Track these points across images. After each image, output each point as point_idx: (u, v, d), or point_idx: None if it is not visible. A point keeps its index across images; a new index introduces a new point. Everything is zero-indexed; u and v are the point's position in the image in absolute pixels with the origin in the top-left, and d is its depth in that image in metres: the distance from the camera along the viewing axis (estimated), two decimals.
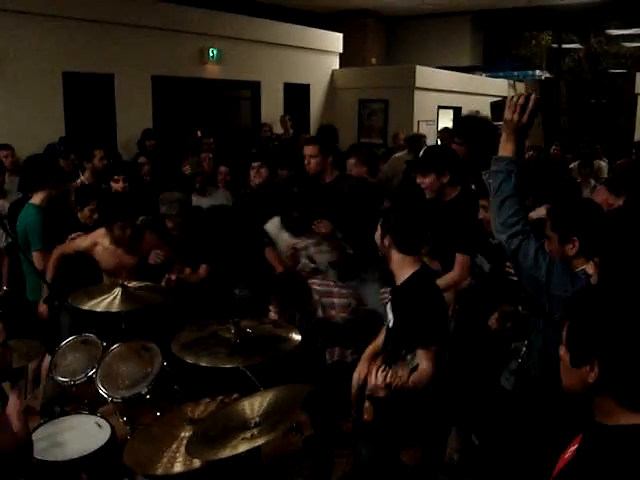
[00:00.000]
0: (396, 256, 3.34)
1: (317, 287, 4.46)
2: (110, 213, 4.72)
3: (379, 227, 3.45)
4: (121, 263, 4.71)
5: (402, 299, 3.33)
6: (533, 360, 3.09)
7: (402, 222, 3.37)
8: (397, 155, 9.56)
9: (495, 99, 2.98)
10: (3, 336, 2.87)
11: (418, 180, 4.70)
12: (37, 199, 5.13)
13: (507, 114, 2.80)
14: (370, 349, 3.72)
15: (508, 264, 3.54)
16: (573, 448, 1.80)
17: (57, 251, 4.88)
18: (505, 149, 2.85)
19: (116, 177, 5.85)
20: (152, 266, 4.84)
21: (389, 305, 3.47)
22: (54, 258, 4.86)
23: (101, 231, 4.76)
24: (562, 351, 1.89)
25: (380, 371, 2.97)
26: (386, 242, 3.36)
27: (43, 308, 5.08)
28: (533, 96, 2.78)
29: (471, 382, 3.78)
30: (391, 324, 3.40)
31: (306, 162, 5.36)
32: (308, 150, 5.35)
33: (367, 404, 3.32)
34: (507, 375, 3.30)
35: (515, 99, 2.77)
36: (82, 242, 4.78)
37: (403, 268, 3.34)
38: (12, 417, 2.81)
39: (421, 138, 9.75)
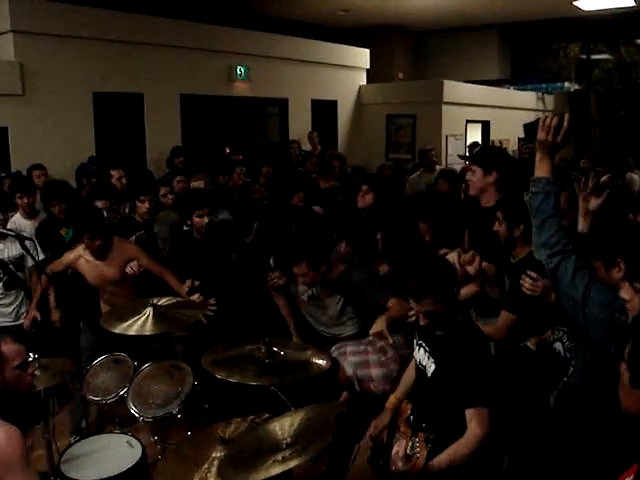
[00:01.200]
0: (441, 313, 3.06)
1: (351, 358, 3.92)
2: (79, 225, 4.85)
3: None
4: (103, 275, 4.78)
5: (448, 349, 3.05)
6: (574, 380, 3.03)
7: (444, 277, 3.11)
8: (412, 177, 9.49)
9: (527, 121, 2.92)
10: (21, 359, 2.88)
11: (467, 176, 4.61)
12: None
13: (540, 135, 2.77)
14: (394, 397, 3.49)
15: (523, 277, 3.45)
16: (630, 479, 1.74)
17: (49, 267, 4.97)
18: (541, 169, 2.81)
19: (142, 197, 5.93)
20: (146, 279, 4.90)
21: (426, 354, 3.21)
22: (44, 278, 4.94)
23: (82, 245, 4.85)
24: (622, 368, 1.84)
25: (401, 446, 2.83)
26: (430, 302, 3.03)
27: (56, 316, 5.24)
28: (567, 116, 2.74)
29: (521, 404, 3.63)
30: (430, 373, 3.13)
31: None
32: None
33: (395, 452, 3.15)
34: (555, 394, 3.22)
35: (548, 121, 2.74)
36: (68, 256, 4.87)
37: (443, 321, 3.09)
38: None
39: (427, 152, 9.73)
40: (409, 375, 3.52)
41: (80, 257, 4.78)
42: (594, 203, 3.83)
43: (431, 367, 3.13)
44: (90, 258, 4.75)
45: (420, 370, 3.27)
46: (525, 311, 3.63)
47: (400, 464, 2.75)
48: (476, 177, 4.35)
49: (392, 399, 3.49)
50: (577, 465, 2.76)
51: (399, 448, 2.80)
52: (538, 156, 2.83)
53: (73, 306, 5.24)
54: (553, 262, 2.74)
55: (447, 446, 2.86)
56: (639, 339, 1.81)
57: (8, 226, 5.56)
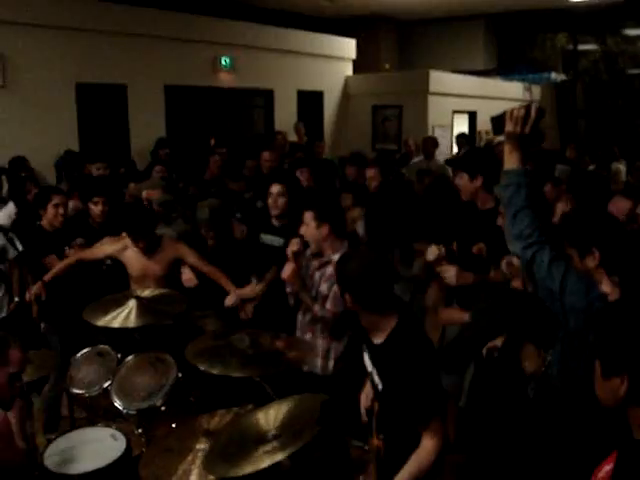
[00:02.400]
0: (367, 316, 2.90)
1: None
2: (125, 224, 4.71)
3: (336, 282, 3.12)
4: (147, 270, 4.69)
5: (386, 361, 2.86)
6: (552, 369, 3.03)
7: (360, 276, 2.85)
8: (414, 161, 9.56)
9: (508, 107, 2.90)
10: (18, 368, 2.83)
11: (456, 180, 4.62)
12: None
13: (508, 126, 2.75)
14: (364, 398, 3.39)
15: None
16: (609, 467, 1.74)
17: (74, 256, 4.88)
18: (510, 161, 2.80)
19: (95, 199, 5.40)
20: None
21: (371, 364, 3.02)
22: (67, 262, 4.84)
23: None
24: (596, 363, 1.86)
25: None
26: (348, 301, 2.90)
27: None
28: (534, 105, 2.72)
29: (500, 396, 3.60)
30: (380, 388, 2.94)
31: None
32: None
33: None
34: (532, 385, 3.18)
35: (515, 112, 2.72)
36: (111, 245, 4.78)
37: (380, 326, 2.88)
38: (14, 424, 2.79)
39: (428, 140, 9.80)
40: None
41: (127, 247, 4.70)
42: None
43: (377, 380, 2.96)
44: (137, 250, 4.69)
45: (369, 374, 3.11)
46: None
47: None
48: (463, 182, 4.38)
49: (364, 399, 3.40)
50: (558, 454, 2.75)
51: None
52: (507, 148, 2.82)
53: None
54: (528, 254, 2.72)
55: (401, 449, 2.80)
56: (605, 331, 1.83)
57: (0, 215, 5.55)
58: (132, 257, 4.70)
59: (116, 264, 4.81)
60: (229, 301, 4.67)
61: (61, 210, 5.09)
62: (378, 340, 2.89)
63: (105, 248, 4.80)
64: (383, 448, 2.87)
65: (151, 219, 4.87)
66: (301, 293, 4.09)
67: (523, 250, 2.74)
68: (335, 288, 3.85)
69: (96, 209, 5.31)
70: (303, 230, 4.12)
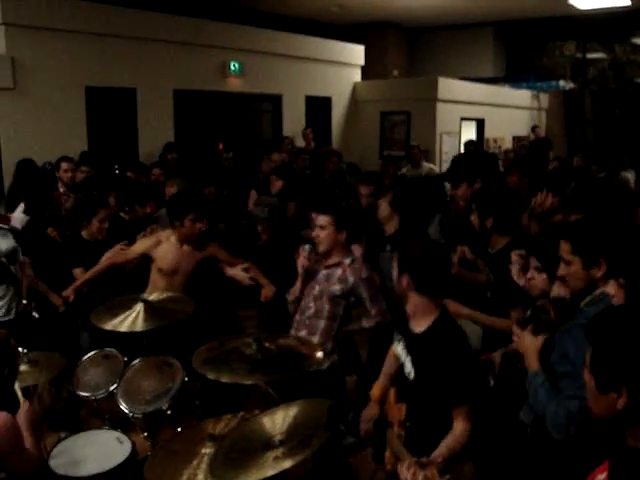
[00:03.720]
0: (416, 299, 3.04)
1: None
2: (180, 208, 4.76)
3: (395, 264, 3.17)
4: (179, 263, 4.76)
5: (426, 350, 3.01)
6: None
7: (423, 258, 3.04)
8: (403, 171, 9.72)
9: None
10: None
11: (450, 192, 4.65)
12: None
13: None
14: (378, 389, 3.48)
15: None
16: (602, 476, 1.72)
17: (106, 261, 4.94)
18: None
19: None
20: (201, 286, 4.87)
21: (405, 353, 3.18)
22: (98, 268, 4.92)
23: (165, 232, 4.88)
24: (586, 375, 1.83)
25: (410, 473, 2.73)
26: (404, 281, 3.04)
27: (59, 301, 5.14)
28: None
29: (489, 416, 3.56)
30: (412, 377, 3.09)
31: None
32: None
33: (389, 454, 3.16)
34: (527, 410, 3.08)
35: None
36: (144, 243, 4.88)
37: (425, 313, 3.05)
38: (22, 426, 2.80)
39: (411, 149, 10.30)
40: (389, 364, 3.52)
41: (161, 242, 4.79)
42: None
43: (409, 368, 3.11)
44: (175, 242, 4.77)
45: (401, 367, 3.24)
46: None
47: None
48: (462, 191, 4.45)
49: (376, 390, 3.48)
50: (550, 462, 2.73)
51: (408, 475, 2.72)
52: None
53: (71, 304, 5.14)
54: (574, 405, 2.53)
55: (431, 437, 2.91)
56: (598, 347, 1.80)
57: (13, 220, 5.57)
58: (167, 250, 4.78)
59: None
60: (266, 293, 4.75)
61: (105, 225, 5.23)
62: (419, 329, 3.07)
63: (137, 247, 4.89)
64: (404, 436, 3.01)
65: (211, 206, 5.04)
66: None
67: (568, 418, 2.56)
68: (367, 294, 4.20)
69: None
70: (318, 233, 4.19)
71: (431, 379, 2.97)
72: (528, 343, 2.81)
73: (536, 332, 2.83)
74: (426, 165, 10.40)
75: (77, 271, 5.15)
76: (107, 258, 4.98)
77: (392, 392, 3.35)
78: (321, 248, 4.23)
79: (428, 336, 3.02)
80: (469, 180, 4.55)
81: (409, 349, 3.14)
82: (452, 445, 2.86)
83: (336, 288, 4.21)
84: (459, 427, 2.89)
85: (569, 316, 2.70)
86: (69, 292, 5.02)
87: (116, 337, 4.06)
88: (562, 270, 2.71)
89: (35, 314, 4.93)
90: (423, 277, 2.99)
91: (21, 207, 5.89)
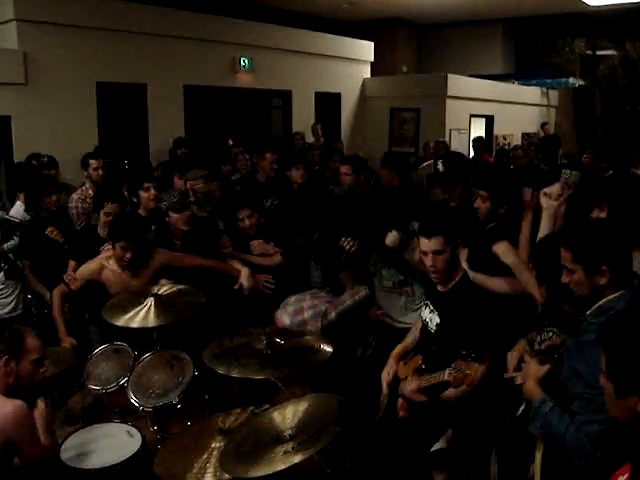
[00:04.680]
0: (450, 256, 3.41)
1: (288, 308, 4.40)
2: (117, 229, 4.45)
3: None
4: (128, 287, 4.47)
5: (453, 303, 3.40)
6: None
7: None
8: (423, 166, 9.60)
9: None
10: (39, 354, 2.93)
11: (445, 193, 4.69)
12: None
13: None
14: (399, 348, 3.79)
15: None
16: (623, 477, 1.71)
17: (57, 292, 4.64)
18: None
19: (146, 185, 5.50)
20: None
21: (430, 311, 3.55)
22: (57, 302, 4.61)
23: (106, 253, 4.60)
24: (603, 380, 1.82)
25: (418, 379, 2.99)
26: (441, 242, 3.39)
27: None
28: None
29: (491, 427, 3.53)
30: (435, 327, 3.47)
31: None
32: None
33: (401, 401, 3.43)
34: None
35: None
36: (88, 268, 4.55)
37: (454, 269, 3.45)
38: (38, 424, 2.85)
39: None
40: (414, 331, 3.85)
41: (104, 267, 4.48)
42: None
43: (435, 321, 3.46)
44: (115, 268, 4.47)
45: (423, 326, 3.62)
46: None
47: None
48: (458, 192, 4.55)
49: (397, 348, 3.80)
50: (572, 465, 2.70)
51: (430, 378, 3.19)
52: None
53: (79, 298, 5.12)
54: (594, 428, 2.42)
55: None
56: (613, 352, 1.79)
57: (10, 214, 5.58)
58: (109, 277, 4.48)
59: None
60: (245, 283, 4.69)
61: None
62: (444, 289, 3.49)
63: (82, 273, 4.56)
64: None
65: (143, 225, 4.64)
66: None
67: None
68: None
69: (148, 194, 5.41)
70: (432, 261, 3.52)
71: (453, 328, 3.33)
72: (533, 370, 2.77)
73: (543, 362, 2.81)
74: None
75: (71, 262, 4.94)
76: (57, 290, 4.65)
77: (416, 358, 3.59)
78: (440, 278, 3.58)
79: (454, 292, 3.44)
80: (465, 180, 4.59)
81: (436, 306, 3.50)
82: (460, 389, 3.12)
83: None
84: (475, 366, 3.05)
85: (575, 326, 2.62)
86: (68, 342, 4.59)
87: (125, 331, 4.08)
88: (565, 278, 2.62)
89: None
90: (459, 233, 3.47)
91: (19, 204, 5.89)
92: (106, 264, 4.50)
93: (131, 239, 4.34)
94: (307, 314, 4.27)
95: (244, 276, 4.77)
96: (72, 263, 4.97)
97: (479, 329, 3.22)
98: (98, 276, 4.50)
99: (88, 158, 6.74)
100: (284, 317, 4.30)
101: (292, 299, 4.49)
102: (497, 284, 4.00)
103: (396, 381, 3.63)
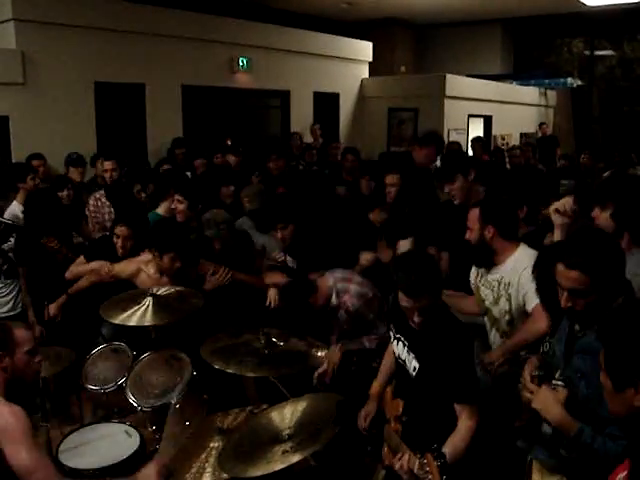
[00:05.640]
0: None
1: (337, 274, 4.28)
2: (167, 241, 4.48)
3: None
4: None
5: (429, 344, 2.98)
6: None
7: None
8: None
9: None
10: (31, 344, 2.93)
11: (446, 189, 4.68)
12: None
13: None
14: (377, 386, 3.52)
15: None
16: (622, 475, 1.72)
17: (92, 277, 4.78)
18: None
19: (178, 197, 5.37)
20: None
21: (407, 351, 3.15)
22: (84, 284, 4.82)
23: (146, 257, 4.61)
24: (602, 378, 1.84)
25: (404, 460, 2.66)
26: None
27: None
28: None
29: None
30: (414, 373, 3.07)
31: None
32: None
33: (386, 450, 3.20)
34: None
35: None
36: (127, 268, 4.62)
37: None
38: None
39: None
40: (387, 362, 3.55)
41: (141, 271, 4.53)
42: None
43: (413, 364, 3.08)
44: (153, 274, 4.50)
45: (400, 365, 3.23)
46: None
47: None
48: (460, 184, 4.48)
49: (375, 386, 3.52)
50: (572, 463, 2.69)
51: (403, 462, 2.69)
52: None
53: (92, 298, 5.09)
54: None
55: (435, 436, 2.82)
56: (611, 346, 1.81)
57: (5, 215, 5.57)
58: (145, 281, 4.51)
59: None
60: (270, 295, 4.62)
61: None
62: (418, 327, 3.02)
63: (120, 271, 4.65)
64: (401, 431, 3.02)
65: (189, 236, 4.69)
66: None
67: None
68: None
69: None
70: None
71: (436, 376, 2.95)
72: (551, 400, 2.52)
73: (554, 387, 2.64)
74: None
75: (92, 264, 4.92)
76: (92, 274, 4.79)
77: (389, 390, 3.40)
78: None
79: (432, 329, 2.98)
80: (463, 172, 4.60)
81: (412, 347, 3.11)
82: (453, 452, 2.77)
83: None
84: (462, 426, 2.87)
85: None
86: (55, 310, 4.90)
87: (135, 333, 4.08)
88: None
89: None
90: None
91: (15, 204, 5.86)
92: (144, 268, 4.54)
93: (181, 251, 4.41)
94: (353, 288, 4.17)
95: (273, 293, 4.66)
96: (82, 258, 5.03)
97: (464, 373, 2.90)
98: (133, 279, 4.55)
99: (102, 159, 6.78)
100: (330, 278, 4.21)
101: (340, 270, 4.40)
102: (470, 305, 4.03)
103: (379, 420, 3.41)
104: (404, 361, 3.16)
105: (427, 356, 3.00)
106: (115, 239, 4.90)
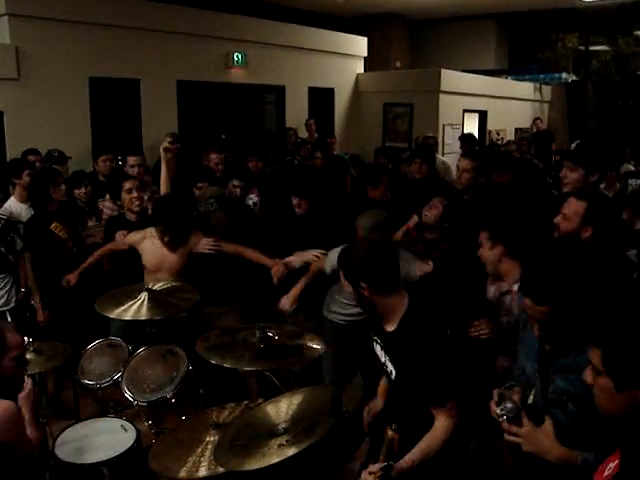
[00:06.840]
0: (381, 302, 2.87)
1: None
2: (156, 216, 4.85)
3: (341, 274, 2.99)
4: (163, 262, 4.74)
5: (400, 347, 2.86)
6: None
7: (369, 261, 2.86)
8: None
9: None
10: (20, 351, 2.89)
11: (562, 174, 4.52)
12: None
13: None
14: (383, 385, 3.39)
15: None
16: (613, 465, 1.73)
17: (105, 247, 5.19)
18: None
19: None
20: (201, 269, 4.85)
21: (383, 353, 3.04)
22: (99, 254, 5.16)
23: (154, 230, 4.85)
24: (590, 377, 1.83)
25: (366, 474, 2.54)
26: (364, 290, 2.85)
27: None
28: None
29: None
30: (393, 375, 2.96)
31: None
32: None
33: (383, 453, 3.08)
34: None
35: None
36: (133, 236, 4.92)
37: (393, 311, 2.88)
38: (22, 405, 2.81)
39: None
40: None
41: (145, 238, 4.82)
42: None
43: (390, 368, 2.98)
44: (156, 241, 4.78)
45: (383, 368, 3.12)
46: None
47: None
48: (578, 177, 4.38)
49: (382, 385, 3.41)
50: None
51: (365, 476, 2.58)
52: None
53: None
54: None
55: (415, 438, 2.76)
56: (611, 347, 1.80)
57: (1, 210, 5.55)
58: (149, 248, 4.78)
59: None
60: (276, 272, 4.52)
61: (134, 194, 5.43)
62: (391, 327, 2.90)
63: (128, 238, 4.96)
64: (397, 439, 2.90)
65: (183, 213, 4.84)
66: None
67: None
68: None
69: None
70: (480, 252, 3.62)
71: (411, 376, 2.83)
72: (542, 438, 2.35)
73: (538, 422, 2.42)
74: (439, 158, 9.71)
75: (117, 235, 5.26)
76: (109, 244, 5.17)
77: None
78: (488, 269, 3.69)
79: (399, 333, 2.87)
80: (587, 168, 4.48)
81: (386, 349, 3.01)
82: (426, 449, 2.71)
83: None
84: (438, 425, 2.75)
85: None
86: (74, 279, 5.04)
87: (144, 328, 4.11)
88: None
89: None
90: (378, 278, 2.86)
91: (11, 200, 5.84)
92: (148, 237, 4.83)
93: (167, 225, 4.70)
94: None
95: (277, 268, 4.59)
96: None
97: (438, 376, 2.76)
98: (138, 244, 4.84)
99: (127, 155, 7.12)
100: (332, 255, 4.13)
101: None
102: None
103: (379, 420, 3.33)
104: (384, 362, 3.07)
105: (401, 361, 2.90)
106: (126, 194, 5.42)
